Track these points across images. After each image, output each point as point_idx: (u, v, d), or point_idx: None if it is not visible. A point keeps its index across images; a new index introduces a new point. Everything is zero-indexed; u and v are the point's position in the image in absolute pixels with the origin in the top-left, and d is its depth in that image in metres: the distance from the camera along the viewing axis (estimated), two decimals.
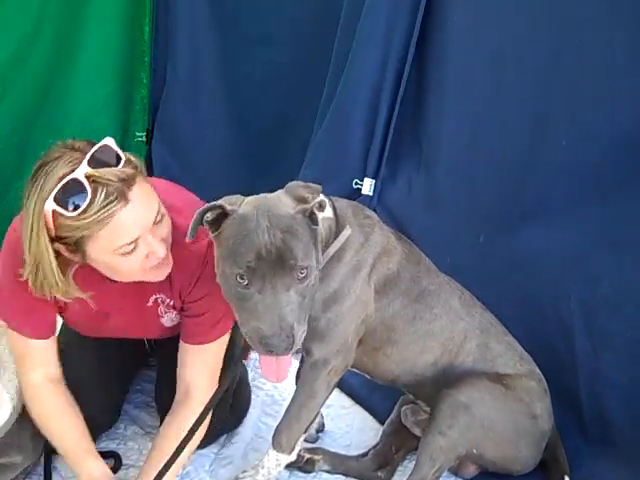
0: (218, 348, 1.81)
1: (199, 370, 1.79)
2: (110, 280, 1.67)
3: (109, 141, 1.52)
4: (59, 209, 1.47)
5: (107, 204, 1.46)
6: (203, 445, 1.91)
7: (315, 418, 1.81)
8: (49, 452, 1.88)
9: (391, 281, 1.74)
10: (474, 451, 1.76)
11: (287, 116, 2.35)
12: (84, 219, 1.46)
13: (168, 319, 1.82)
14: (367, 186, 2.29)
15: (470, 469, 1.85)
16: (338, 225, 1.67)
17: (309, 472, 1.94)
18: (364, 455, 1.97)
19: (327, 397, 1.78)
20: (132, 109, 2.82)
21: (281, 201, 1.51)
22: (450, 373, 1.79)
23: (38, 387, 1.77)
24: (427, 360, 1.79)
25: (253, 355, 2.36)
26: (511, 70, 2.00)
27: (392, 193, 2.27)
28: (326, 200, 1.56)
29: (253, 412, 2.13)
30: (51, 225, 1.49)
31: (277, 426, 1.80)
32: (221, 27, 2.56)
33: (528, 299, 1.92)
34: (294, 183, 1.58)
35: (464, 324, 1.80)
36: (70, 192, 1.47)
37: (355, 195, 2.30)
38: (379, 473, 1.94)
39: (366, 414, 2.16)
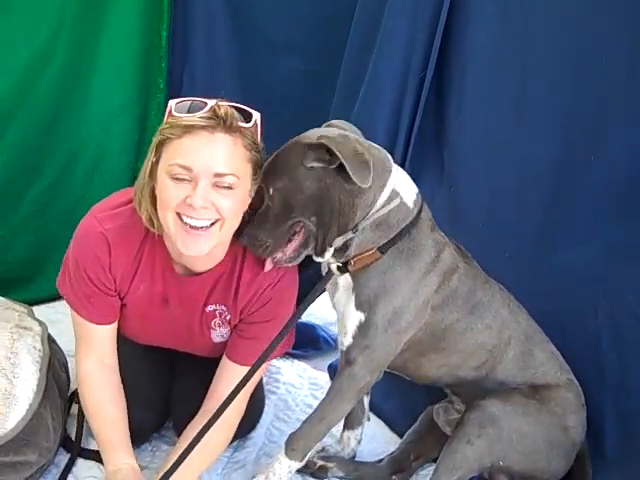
0: (258, 374, 1.82)
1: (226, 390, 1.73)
2: (179, 273, 1.74)
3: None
4: (173, 107, 1.61)
5: (197, 120, 1.56)
6: None
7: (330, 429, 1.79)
8: (75, 455, 1.90)
9: (449, 297, 1.74)
10: (500, 463, 1.74)
11: (308, 125, 2.35)
12: (180, 120, 1.57)
13: (219, 334, 1.84)
14: None
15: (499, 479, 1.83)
16: (411, 222, 1.68)
17: (322, 479, 1.94)
18: (379, 461, 1.97)
19: (350, 408, 1.78)
20: (149, 115, 2.82)
21: (314, 133, 1.69)
22: (492, 377, 1.79)
23: (94, 373, 1.82)
24: (471, 365, 1.79)
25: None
26: (535, 84, 1.97)
27: None
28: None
29: (266, 417, 2.14)
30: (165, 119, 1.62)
31: (293, 432, 1.79)
32: (240, 33, 2.54)
33: (555, 313, 1.90)
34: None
35: (510, 332, 1.79)
36: (192, 106, 1.62)
37: None
38: (394, 477, 1.94)
39: (379, 421, 2.16)
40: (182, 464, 1.65)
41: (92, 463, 1.90)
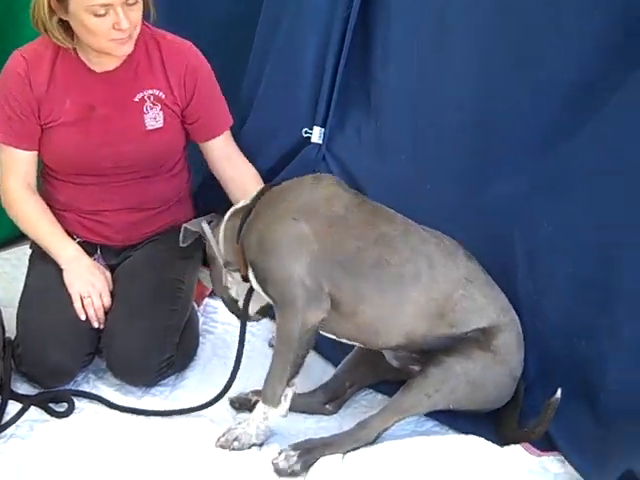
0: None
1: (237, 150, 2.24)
2: (97, 72, 2.03)
3: None
4: None
5: None
6: (154, 381, 2.01)
7: (298, 370, 1.81)
8: (6, 397, 1.90)
9: (336, 223, 1.78)
10: (450, 406, 1.81)
11: (244, 55, 2.36)
12: None
13: (151, 116, 2.07)
14: (316, 134, 2.30)
15: None
16: (248, 208, 1.88)
17: None
18: (313, 392, 2.00)
19: (304, 348, 1.79)
20: None
21: None
22: (441, 326, 1.80)
23: (20, 191, 2.08)
24: (413, 311, 1.79)
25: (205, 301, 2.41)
26: (456, 23, 2.02)
27: (341, 141, 2.28)
28: None
29: (203, 355, 2.16)
30: None
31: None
32: None
33: (472, 244, 1.94)
34: None
35: (447, 270, 1.81)
36: None
37: (305, 144, 2.32)
38: (327, 406, 1.98)
39: (312, 352, 2.16)
40: None
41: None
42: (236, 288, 1.98)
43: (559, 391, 1.75)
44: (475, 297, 1.82)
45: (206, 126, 2.18)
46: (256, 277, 1.84)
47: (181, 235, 1.99)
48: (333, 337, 1.88)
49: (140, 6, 1.94)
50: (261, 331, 2.23)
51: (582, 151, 1.87)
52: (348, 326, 1.83)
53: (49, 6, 1.91)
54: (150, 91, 2.07)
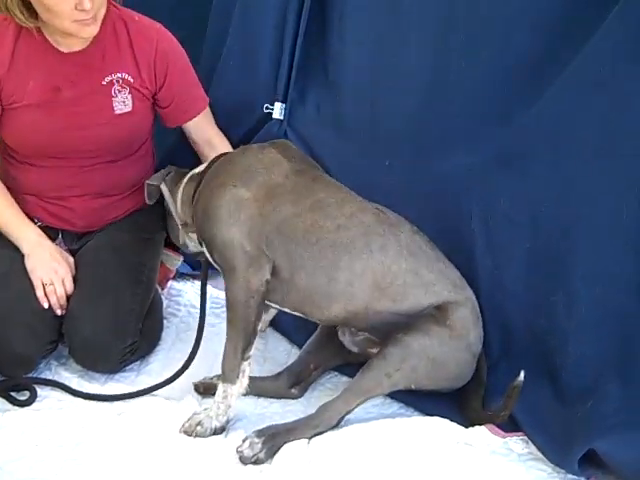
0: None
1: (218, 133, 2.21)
2: (63, 52, 1.96)
3: None
4: None
5: None
6: (118, 367, 1.99)
7: (251, 340, 1.81)
8: None
9: (275, 190, 1.81)
10: (412, 387, 1.81)
11: (201, 29, 2.32)
12: None
13: (120, 100, 2.02)
14: (277, 110, 2.28)
15: None
16: (199, 175, 1.96)
17: None
18: (278, 375, 2.00)
19: (252, 313, 1.79)
20: None
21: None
22: (382, 299, 1.79)
23: None
24: (348, 279, 1.78)
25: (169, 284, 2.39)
26: None
27: (301, 116, 2.26)
28: None
29: (167, 339, 2.14)
30: None
31: None
32: None
33: (430, 220, 1.94)
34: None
35: (384, 240, 1.80)
36: None
37: (267, 120, 2.29)
38: (293, 390, 1.98)
39: (277, 334, 2.21)
40: None
41: None
42: (194, 244, 2.04)
43: (522, 374, 1.76)
44: (420, 272, 1.81)
45: (180, 109, 2.14)
46: (203, 240, 1.89)
47: (145, 192, 2.02)
48: (277, 307, 1.89)
49: None
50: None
51: (537, 125, 1.86)
52: (289, 294, 1.83)
53: None
54: (119, 74, 2.01)
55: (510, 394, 1.77)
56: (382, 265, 1.79)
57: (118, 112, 2.02)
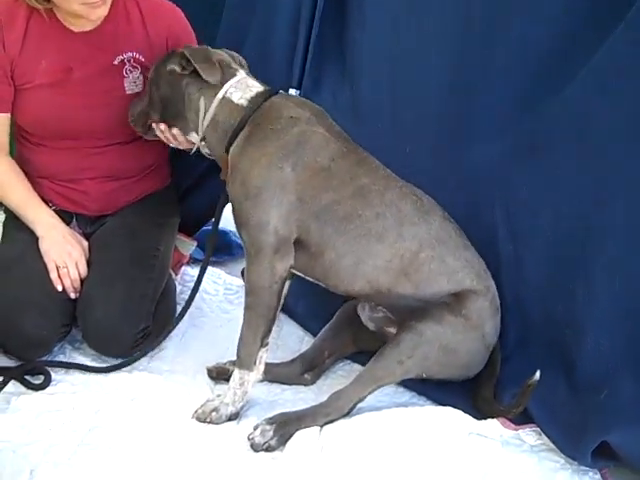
0: None
1: None
2: (74, 32, 1.96)
3: None
4: None
5: None
6: (130, 352, 1.99)
7: (270, 327, 1.81)
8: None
9: (319, 174, 1.76)
10: (424, 375, 1.81)
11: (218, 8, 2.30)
12: None
13: (131, 81, 2.03)
14: None
15: None
16: (244, 115, 1.80)
17: None
18: (291, 361, 2.00)
19: (275, 300, 1.78)
20: None
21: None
22: (406, 283, 1.80)
23: None
24: (376, 264, 1.79)
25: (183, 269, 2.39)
26: None
27: (317, 103, 2.21)
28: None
29: (181, 325, 2.12)
30: None
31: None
32: None
33: (451, 208, 1.92)
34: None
35: (417, 229, 1.80)
36: None
37: None
38: (306, 376, 1.98)
39: (291, 322, 2.20)
40: None
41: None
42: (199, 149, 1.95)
43: (538, 373, 1.75)
44: (446, 259, 1.81)
45: None
46: (233, 214, 1.84)
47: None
48: (301, 275, 1.87)
49: None
50: (240, 299, 2.21)
51: (560, 114, 1.84)
52: (315, 267, 1.82)
53: None
54: (130, 54, 2.02)
55: (524, 392, 1.76)
56: (411, 253, 1.79)
57: (129, 92, 2.03)
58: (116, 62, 2.01)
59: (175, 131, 1.93)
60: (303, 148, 1.77)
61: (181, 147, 1.98)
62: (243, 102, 1.81)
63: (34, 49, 1.96)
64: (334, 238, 1.78)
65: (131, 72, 2.02)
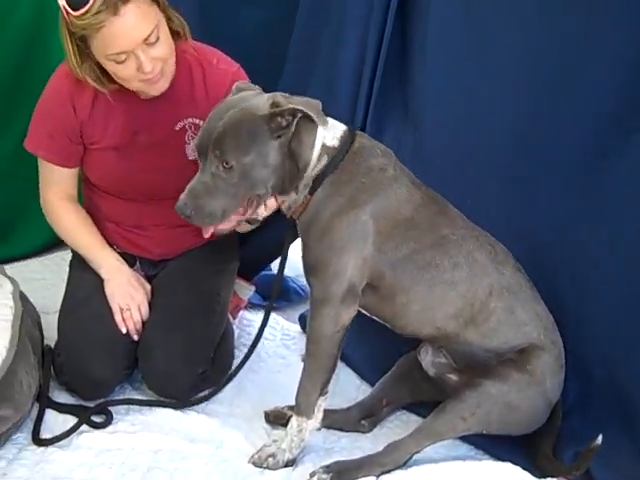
0: None
1: None
2: (141, 98, 1.99)
3: None
4: (66, 6, 1.78)
5: (98, 12, 1.76)
6: (189, 395, 2.02)
7: (330, 375, 1.81)
8: (44, 406, 1.94)
9: (400, 225, 1.76)
10: (484, 432, 1.79)
11: (279, 62, 2.34)
12: (82, 19, 1.78)
13: (193, 148, 1.96)
14: None
15: None
16: (335, 157, 1.73)
17: None
18: (349, 408, 2.00)
19: (337, 349, 1.78)
20: None
21: (259, 102, 1.70)
22: (474, 331, 1.79)
23: (61, 202, 2.11)
24: (447, 311, 1.78)
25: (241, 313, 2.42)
26: (498, 22, 1.95)
27: None
28: (313, 115, 1.66)
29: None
30: (66, 19, 1.81)
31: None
32: None
33: (517, 254, 1.90)
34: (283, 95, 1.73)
35: (490, 280, 1.79)
36: None
37: None
38: (363, 422, 1.98)
39: (349, 370, 2.20)
40: None
41: (65, 416, 1.95)
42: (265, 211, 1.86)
43: (600, 437, 1.72)
44: (515, 311, 1.80)
45: None
46: (304, 258, 1.80)
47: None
48: (365, 313, 1.85)
49: (164, 40, 1.88)
50: (297, 345, 2.24)
51: (628, 171, 1.81)
52: (383, 307, 1.82)
53: (78, 54, 1.88)
54: (190, 119, 2.03)
55: (586, 455, 1.73)
56: (481, 304, 1.78)
57: (192, 158, 2.01)
58: (177, 128, 2.03)
59: (271, 200, 1.83)
60: (389, 200, 1.76)
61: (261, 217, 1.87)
62: (335, 143, 1.75)
63: (102, 114, 2.01)
64: (408, 285, 1.77)
65: (192, 138, 2.01)
